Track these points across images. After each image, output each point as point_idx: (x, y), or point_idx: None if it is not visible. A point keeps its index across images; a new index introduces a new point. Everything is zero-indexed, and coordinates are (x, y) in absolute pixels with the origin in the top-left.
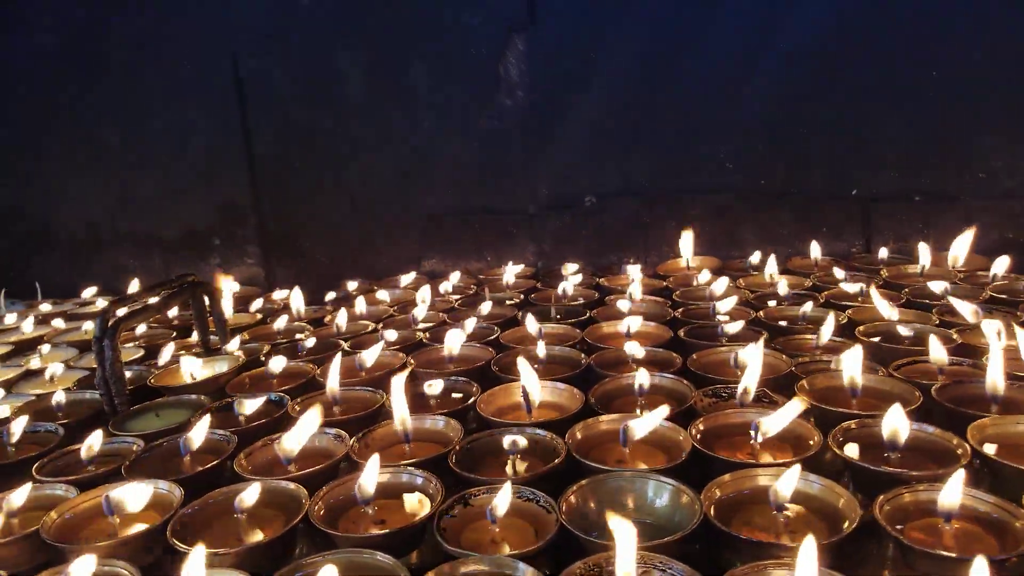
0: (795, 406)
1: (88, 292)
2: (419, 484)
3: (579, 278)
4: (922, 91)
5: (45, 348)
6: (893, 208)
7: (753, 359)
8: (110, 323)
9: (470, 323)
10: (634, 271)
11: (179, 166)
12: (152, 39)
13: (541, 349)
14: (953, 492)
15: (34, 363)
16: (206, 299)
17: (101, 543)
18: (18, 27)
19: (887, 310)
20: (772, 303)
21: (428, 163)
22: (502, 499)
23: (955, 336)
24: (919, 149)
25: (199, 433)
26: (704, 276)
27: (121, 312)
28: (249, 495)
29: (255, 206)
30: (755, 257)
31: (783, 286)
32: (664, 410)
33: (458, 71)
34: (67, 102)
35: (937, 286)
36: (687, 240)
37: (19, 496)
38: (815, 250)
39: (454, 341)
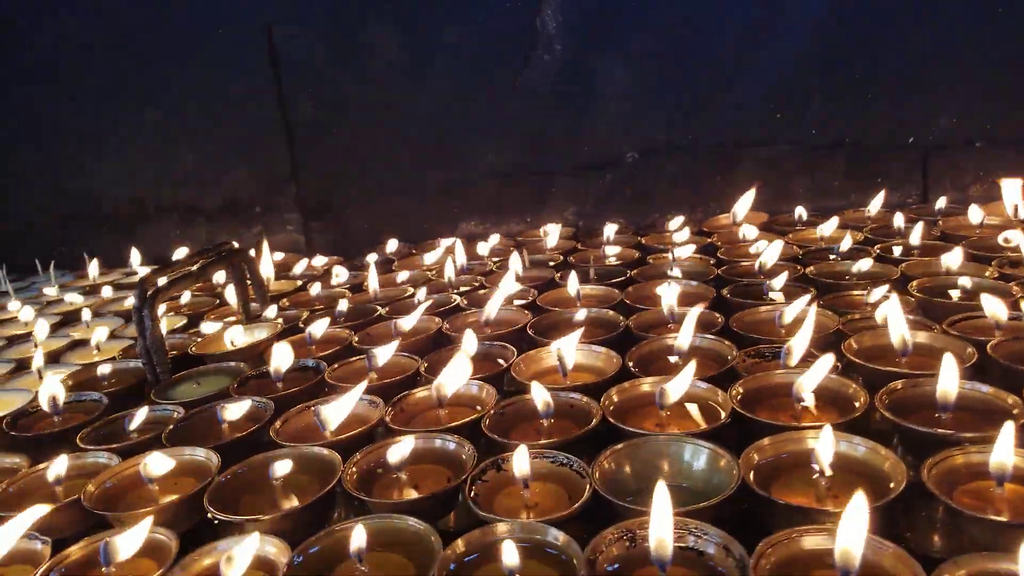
0: (826, 360)
1: (135, 259)
2: (452, 449)
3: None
4: (981, 33)
5: (91, 317)
6: (952, 156)
7: (805, 322)
8: (148, 293)
9: (507, 284)
10: (677, 226)
11: (218, 137)
12: (183, 10)
13: (580, 313)
14: (1004, 452)
15: (80, 333)
16: (245, 267)
17: (139, 510)
18: (44, 9)
19: (948, 260)
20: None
21: (463, 125)
22: (519, 462)
23: (1016, 290)
24: (979, 93)
25: (236, 408)
26: (751, 232)
27: (161, 282)
28: (282, 464)
29: (294, 174)
30: (801, 211)
31: (846, 241)
32: (692, 367)
33: (492, 27)
34: (102, 80)
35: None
36: (747, 199)
37: (59, 465)
38: (876, 203)
39: (491, 307)
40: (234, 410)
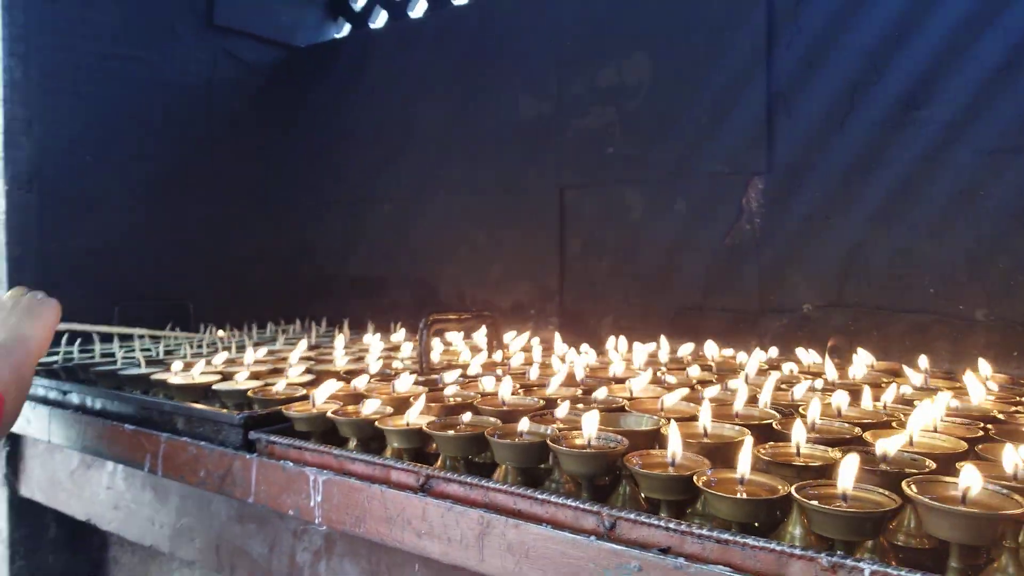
0: None
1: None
2: None
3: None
4: None
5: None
6: None
7: None
8: (428, 322)
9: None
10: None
11: (517, 258)
12: (504, 178)
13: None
14: None
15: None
16: (495, 329)
17: None
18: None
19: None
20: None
21: (683, 269)
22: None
23: None
24: None
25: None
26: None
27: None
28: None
29: (559, 290)
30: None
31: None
32: None
33: (710, 200)
34: (460, 220)
35: None
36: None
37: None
38: (985, 368)
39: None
40: None
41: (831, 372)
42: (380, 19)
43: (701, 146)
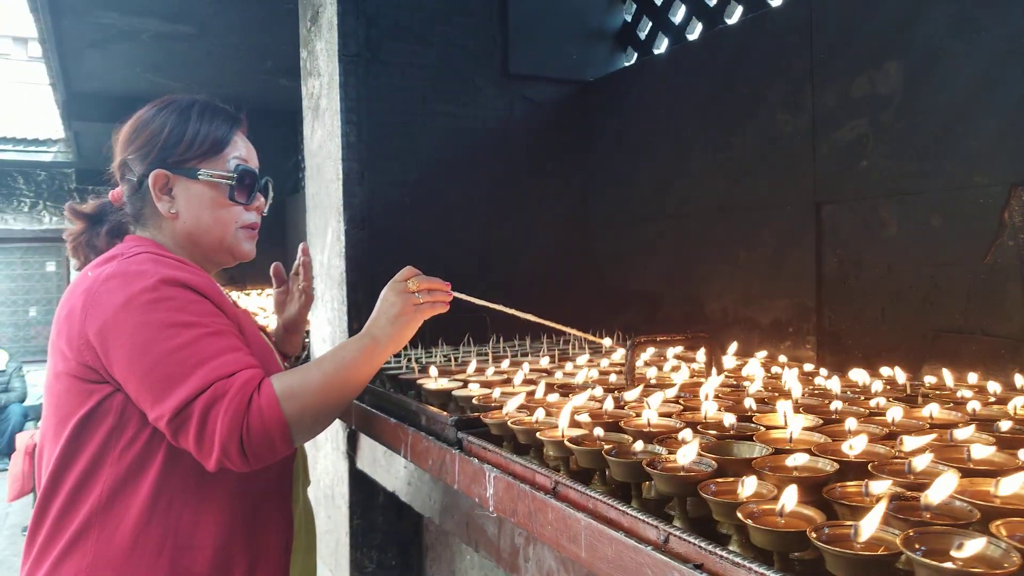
0: None
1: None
2: None
3: None
4: None
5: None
6: None
7: None
8: (635, 343)
9: None
10: None
11: (769, 276)
12: (747, 194)
13: None
14: None
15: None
16: (711, 350)
17: None
18: None
19: None
20: None
21: (941, 288)
22: None
23: None
24: None
25: None
26: None
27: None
28: None
29: (817, 309)
30: None
31: None
32: None
33: (968, 216)
34: (719, 240)
35: None
36: None
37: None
38: None
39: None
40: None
41: None
42: (663, 45)
43: (957, 155)
